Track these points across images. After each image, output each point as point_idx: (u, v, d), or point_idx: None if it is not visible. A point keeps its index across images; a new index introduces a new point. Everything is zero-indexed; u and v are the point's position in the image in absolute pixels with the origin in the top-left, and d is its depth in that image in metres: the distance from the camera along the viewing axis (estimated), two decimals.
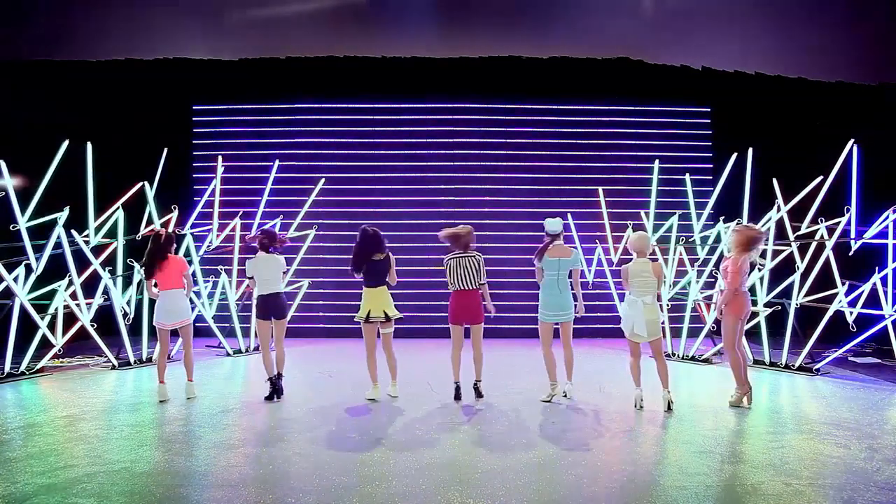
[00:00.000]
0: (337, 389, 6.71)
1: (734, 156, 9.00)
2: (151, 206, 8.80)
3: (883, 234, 7.68)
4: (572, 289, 6.25)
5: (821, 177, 8.05)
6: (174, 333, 6.46)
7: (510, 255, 11.39)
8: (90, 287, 8.20)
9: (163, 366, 6.32)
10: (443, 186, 11.83)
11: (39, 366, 7.67)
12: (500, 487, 3.79)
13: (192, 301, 9.33)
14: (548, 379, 6.23)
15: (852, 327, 7.63)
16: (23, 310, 7.42)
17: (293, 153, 11.70)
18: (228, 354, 9.21)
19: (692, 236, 9.36)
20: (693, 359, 8.56)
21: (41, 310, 7.79)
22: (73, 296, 7.95)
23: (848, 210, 7.68)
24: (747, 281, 6.17)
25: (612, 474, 4.05)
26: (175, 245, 6.66)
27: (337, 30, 11.46)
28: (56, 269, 7.84)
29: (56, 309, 7.86)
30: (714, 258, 8.73)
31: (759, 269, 8.18)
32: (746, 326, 8.23)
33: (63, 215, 7.76)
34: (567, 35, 11.54)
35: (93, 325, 8.06)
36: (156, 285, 6.32)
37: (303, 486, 3.83)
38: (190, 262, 9.21)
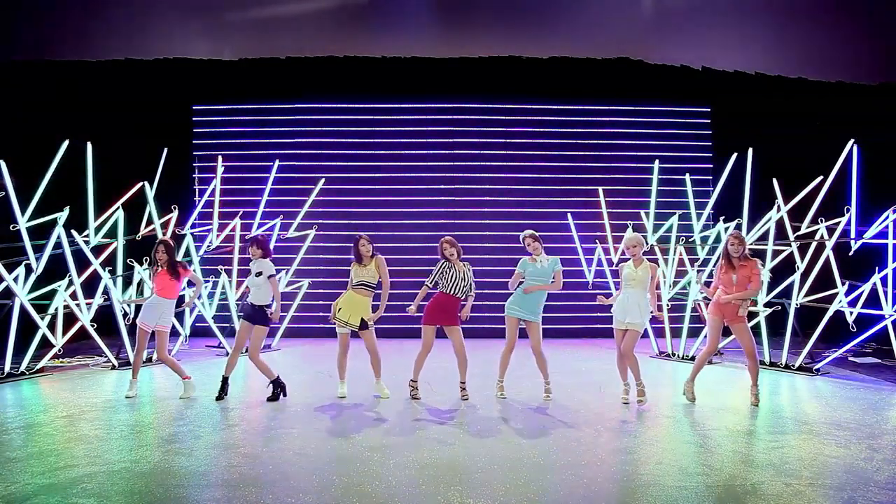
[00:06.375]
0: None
1: (734, 156, 9.00)
2: (151, 206, 8.80)
3: (883, 234, 7.68)
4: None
5: (821, 177, 8.05)
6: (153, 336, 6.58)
7: (510, 255, 11.38)
8: (90, 287, 8.20)
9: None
10: (442, 186, 11.83)
11: (39, 366, 7.66)
12: (500, 487, 3.79)
13: (196, 302, 9.41)
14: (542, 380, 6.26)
15: (852, 327, 7.62)
16: (23, 310, 7.41)
17: (293, 153, 11.70)
18: (228, 354, 9.18)
19: (692, 236, 9.36)
20: (693, 359, 8.55)
21: (41, 310, 7.78)
22: (73, 296, 7.95)
23: (848, 210, 7.68)
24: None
25: (612, 474, 4.05)
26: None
27: (337, 30, 11.47)
28: (56, 269, 7.84)
29: (56, 309, 7.85)
30: (714, 258, 8.72)
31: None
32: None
33: (63, 215, 7.75)
34: (567, 35, 11.56)
35: (93, 325, 8.05)
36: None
37: (303, 486, 3.83)
38: (189, 263, 9.21)
